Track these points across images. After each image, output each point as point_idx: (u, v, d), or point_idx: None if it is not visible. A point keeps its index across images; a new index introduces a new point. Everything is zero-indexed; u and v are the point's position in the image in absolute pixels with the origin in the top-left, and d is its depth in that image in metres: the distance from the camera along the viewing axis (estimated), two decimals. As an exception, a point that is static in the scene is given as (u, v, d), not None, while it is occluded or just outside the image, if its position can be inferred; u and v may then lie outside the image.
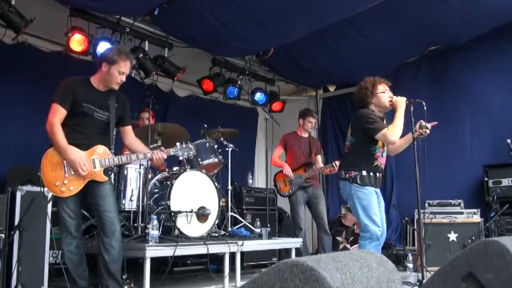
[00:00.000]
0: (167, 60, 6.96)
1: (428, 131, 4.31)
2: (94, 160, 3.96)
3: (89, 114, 4.00)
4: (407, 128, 4.37)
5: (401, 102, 4.36)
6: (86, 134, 4.00)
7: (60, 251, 4.83)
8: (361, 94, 4.54)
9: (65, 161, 3.86)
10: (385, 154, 4.53)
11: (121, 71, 4.02)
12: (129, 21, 6.47)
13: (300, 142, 6.88)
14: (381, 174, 4.52)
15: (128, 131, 4.36)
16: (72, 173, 3.87)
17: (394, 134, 4.27)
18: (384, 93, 4.47)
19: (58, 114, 3.89)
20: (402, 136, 4.43)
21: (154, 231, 4.51)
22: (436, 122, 4.35)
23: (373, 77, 4.56)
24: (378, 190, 4.55)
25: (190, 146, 4.48)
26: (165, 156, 4.29)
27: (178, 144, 4.44)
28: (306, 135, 6.97)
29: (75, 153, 3.87)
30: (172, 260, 4.75)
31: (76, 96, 3.95)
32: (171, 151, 4.38)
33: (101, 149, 4.02)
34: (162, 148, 4.30)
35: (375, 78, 4.55)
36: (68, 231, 3.99)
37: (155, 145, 5.51)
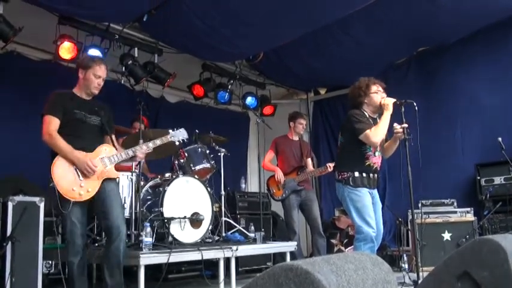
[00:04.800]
0: (157, 67, 6.95)
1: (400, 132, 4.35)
2: (103, 159, 4.04)
3: (83, 120, 4.09)
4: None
5: (389, 104, 4.38)
6: (85, 138, 4.06)
7: (53, 261, 4.81)
8: (355, 93, 4.60)
9: (74, 166, 3.90)
10: (378, 154, 4.53)
11: (97, 75, 4.14)
12: (118, 28, 6.45)
13: (291, 146, 6.87)
14: (375, 175, 4.53)
15: (110, 141, 4.38)
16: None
17: (376, 135, 4.30)
18: (376, 94, 4.50)
19: (52, 124, 3.94)
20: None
21: (147, 239, 4.50)
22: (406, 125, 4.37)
23: (367, 78, 4.61)
24: (374, 191, 4.55)
25: (181, 130, 4.74)
26: (149, 148, 4.38)
27: (171, 131, 4.65)
28: (296, 138, 6.97)
29: (82, 153, 3.94)
30: (167, 267, 4.72)
31: (65, 106, 4.02)
32: (169, 138, 4.57)
33: (106, 148, 4.13)
34: (141, 141, 4.46)
35: (370, 78, 4.60)
36: (73, 242, 3.99)
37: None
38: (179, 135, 4.69)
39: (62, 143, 3.88)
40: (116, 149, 4.30)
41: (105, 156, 4.07)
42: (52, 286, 4.56)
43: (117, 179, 4.23)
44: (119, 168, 4.51)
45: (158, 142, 4.46)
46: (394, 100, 4.39)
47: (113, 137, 4.38)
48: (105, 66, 4.24)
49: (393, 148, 4.56)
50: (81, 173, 3.91)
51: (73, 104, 4.07)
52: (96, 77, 4.14)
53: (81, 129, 4.07)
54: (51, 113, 3.95)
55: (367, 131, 4.29)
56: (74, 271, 4.01)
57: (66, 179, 3.86)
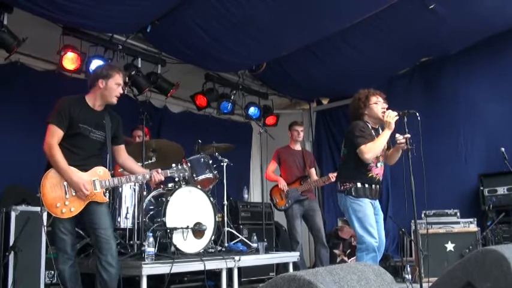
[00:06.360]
0: (160, 77, 6.96)
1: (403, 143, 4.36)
2: (95, 181, 3.93)
3: (85, 135, 3.98)
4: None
5: (391, 123, 4.35)
6: (82, 155, 3.97)
7: (55, 272, 4.79)
8: (355, 106, 4.61)
9: (65, 182, 3.82)
10: (380, 164, 4.52)
11: (118, 83, 4.07)
12: (122, 38, 6.48)
13: (293, 155, 6.88)
14: (377, 186, 4.51)
15: (121, 150, 4.33)
16: (73, 194, 3.83)
17: (370, 151, 4.28)
18: (376, 104, 4.50)
19: (55, 135, 3.85)
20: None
21: (150, 249, 4.49)
22: (408, 135, 4.37)
23: (367, 89, 4.61)
24: (376, 202, 4.55)
25: (185, 167, 4.52)
26: (163, 178, 4.28)
27: (174, 165, 4.48)
28: (298, 148, 6.98)
29: (77, 175, 3.85)
30: (169, 277, 4.71)
31: (72, 117, 3.92)
32: (168, 172, 4.41)
33: (101, 171, 4.01)
34: (159, 170, 4.28)
35: (369, 90, 4.60)
36: (64, 251, 3.94)
37: (149, 161, 5.50)
38: (181, 172, 4.52)
39: (60, 159, 3.80)
40: (118, 164, 4.28)
41: (98, 179, 3.96)
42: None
43: (105, 202, 4.02)
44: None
45: (154, 173, 4.25)
46: (397, 117, 4.36)
47: (123, 147, 4.34)
48: (123, 74, 4.18)
49: (396, 156, 4.55)
50: (69, 191, 3.82)
51: (81, 115, 3.96)
52: (118, 86, 4.07)
53: (82, 145, 3.97)
54: (56, 123, 3.86)
55: (362, 146, 4.28)
56: (66, 279, 3.94)
57: (54, 193, 3.79)
